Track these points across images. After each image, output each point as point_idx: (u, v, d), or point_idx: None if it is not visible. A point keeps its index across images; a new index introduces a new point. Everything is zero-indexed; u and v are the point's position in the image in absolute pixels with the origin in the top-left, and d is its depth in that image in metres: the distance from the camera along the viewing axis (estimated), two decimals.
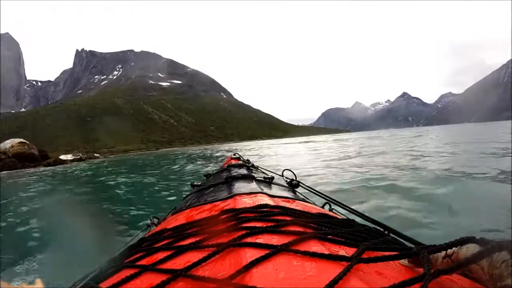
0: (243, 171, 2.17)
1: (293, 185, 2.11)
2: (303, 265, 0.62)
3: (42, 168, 35.54)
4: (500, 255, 0.49)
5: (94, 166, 33.09)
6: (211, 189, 1.83)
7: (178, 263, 0.75)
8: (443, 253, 0.60)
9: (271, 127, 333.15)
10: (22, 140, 43.11)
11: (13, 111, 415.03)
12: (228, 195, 1.41)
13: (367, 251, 0.67)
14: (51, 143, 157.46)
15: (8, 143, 41.93)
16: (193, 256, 0.75)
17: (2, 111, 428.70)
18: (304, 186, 2.28)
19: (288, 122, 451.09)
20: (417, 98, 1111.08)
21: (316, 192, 2.23)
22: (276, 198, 1.35)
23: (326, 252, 0.66)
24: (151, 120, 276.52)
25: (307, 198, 1.93)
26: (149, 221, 2.25)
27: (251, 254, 0.68)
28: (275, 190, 1.64)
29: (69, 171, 27.04)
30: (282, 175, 2.45)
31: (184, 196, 2.27)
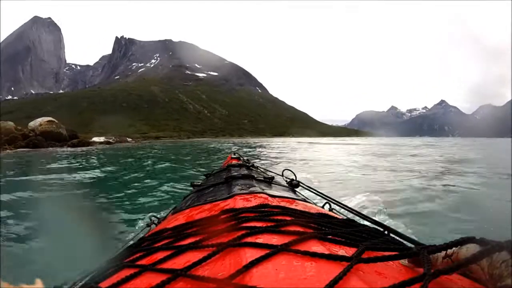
0: (243, 171, 2.14)
1: (293, 185, 2.11)
2: (303, 265, 0.62)
3: (64, 149, 35.06)
4: (500, 255, 0.49)
5: (119, 151, 32.91)
6: (211, 189, 1.82)
7: (178, 263, 0.75)
8: (443, 253, 0.60)
9: (304, 125, 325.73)
10: (50, 118, 42.29)
11: (51, 92, 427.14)
12: (228, 195, 1.40)
13: (367, 251, 0.67)
14: (87, 125, 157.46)
15: (38, 121, 41.05)
16: (193, 256, 0.74)
17: (41, 91, 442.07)
18: (304, 186, 2.28)
19: (322, 122, 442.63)
20: (455, 107, 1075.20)
21: (316, 192, 2.21)
22: (276, 198, 1.35)
23: (326, 252, 0.65)
24: (185, 110, 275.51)
25: (307, 198, 1.91)
26: (149, 221, 2.23)
27: (251, 254, 0.67)
28: (275, 190, 1.63)
29: (87, 153, 26.47)
30: (282, 175, 2.44)
31: (184, 196, 2.25)
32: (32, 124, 40.83)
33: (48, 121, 41.13)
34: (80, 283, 0.98)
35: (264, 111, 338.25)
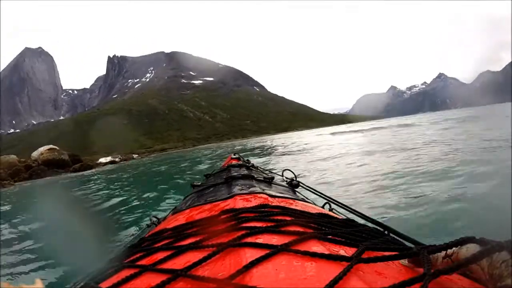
0: (243, 171, 2.14)
1: (293, 185, 2.10)
2: (303, 265, 0.62)
3: (66, 175, 34.32)
4: (500, 255, 0.49)
5: (120, 169, 32.52)
6: (211, 189, 1.82)
7: (178, 263, 0.75)
8: (443, 253, 0.60)
9: (306, 118, 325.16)
10: (51, 146, 41.76)
11: (52, 120, 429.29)
12: (228, 195, 1.40)
13: (367, 251, 0.67)
14: (91, 147, 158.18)
15: (40, 150, 40.45)
16: (193, 256, 0.74)
17: (42, 121, 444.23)
18: (304, 186, 2.27)
19: (324, 112, 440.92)
20: (454, 79, 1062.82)
21: (316, 192, 2.21)
22: (276, 198, 1.35)
23: (326, 252, 0.65)
24: (186, 118, 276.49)
25: (307, 198, 1.92)
26: (149, 221, 2.24)
27: (251, 254, 0.68)
28: (275, 190, 1.63)
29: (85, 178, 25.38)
30: (282, 175, 2.44)
31: (184, 196, 2.27)
32: (35, 154, 40.21)
33: (49, 149, 40.47)
34: (80, 283, 0.98)
35: (265, 109, 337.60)
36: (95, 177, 24.32)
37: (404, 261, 0.68)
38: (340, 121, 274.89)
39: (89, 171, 36.24)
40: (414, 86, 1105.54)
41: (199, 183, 2.21)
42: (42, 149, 40.59)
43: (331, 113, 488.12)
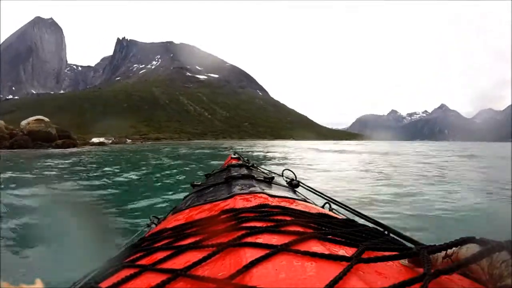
0: (243, 171, 2.15)
1: (293, 185, 2.11)
2: (303, 265, 0.62)
3: (46, 150, 32.41)
4: (500, 255, 0.49)
5: (105, 153, 31.22)
6: (211, 189, 1.82)
7: (178, 263, 0.75)
8: (443, 253, 0.60)
9: (304, 128, 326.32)
10: (39, 117, 39.46)
11: (52, 92, 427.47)
12: (228, 195, 1.40)
13: (367, 251, 0.67)
14: (87, 126, 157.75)
15: (29, 120, 38.68)
16: (193, 256, 0.74)
17: (42, 92, 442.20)
18: (304, 186, 2.28)
19: (322, 125, 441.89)
20: (455, 111, 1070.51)
21: (316, 192, 2.22)
22: (276, 198, 1.35)
23: (326, 252, 0.66)
24: (186, 112, 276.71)
25: (307, 198, 1.93)
26: (149, 221, 2.25)
27: (251, 254, 0.68)
28: (275, 190, 1.63)
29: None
30: (282, 175, 2.45)
31: (184, 196, 2.26)
32: (24, 123, 38.45)
33: (36, 119, 38.44)
34: (80, 283, 0.98)
35: (265, 113, 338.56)
36: (71, 157, 23.33)
37: (404, 261, 0.68)
38: (338, 137, 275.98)
39: (71, 149, 34.74)
40: (415, 113, 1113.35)
41: (199, 183, 2.22)
42: (31, 119, 38.76)
43: (330, 127, 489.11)
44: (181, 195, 6.24)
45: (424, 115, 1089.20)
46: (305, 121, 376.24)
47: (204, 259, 0.70)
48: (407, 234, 1.19)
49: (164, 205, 6.69)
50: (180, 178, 12.13)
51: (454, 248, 0.58)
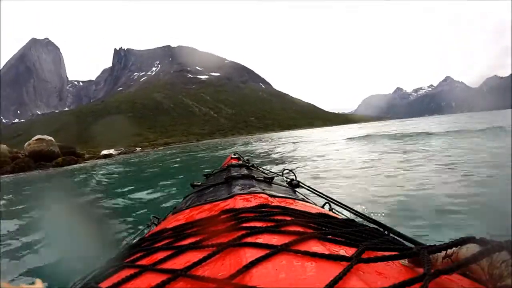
0: (243, 171, 2.14)
1: (293, 185, 2.11)
2: (303, 265, 0.62)
3: (41, 171, 29.43)
4: (500, 255, 0.49)
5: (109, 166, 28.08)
6: (211, 189, 1.82)
7: (178, 263, 0.75)
8: (443, 253, 0.60)
9: (311, 116, 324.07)
10: (40, 136, 36.70)
11: (57, 111, 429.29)
12: (228, 195, 1.40)
13: (367, 251, 0.67)
14: (93, 140, 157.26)
15: (30, 141, 36.13)
16: (193, 256, 0.74)
17: (46, 111, 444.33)
18: (304, 186, 2.28)
19: (329, 111, 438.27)
20: (461, 82, 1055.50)
21: (316, 192, 2.22)
22: (276, 198, 1.35)
23: (326, 252, 0.65)
24: (191, 113, 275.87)
25: (307, 198, 1.92)
26: (149, 221, 2.26)
27: (251, 254, 0.68)
28: (275, 190, 1.63)
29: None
30: (282, 175, 2.44)
31: (184, 196, 2.27)
32: (27, 145, 35.87)
33: (37, 139, 36.03)
34: (80, 283, 0.98)
35: (270, 106, 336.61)
36: (68, 176, 20.77)
37: (404, 261, 0.68)
38: (345, 121, 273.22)
39: (73, 166, 32.69)
40: (420, 89, 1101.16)
41: (199, 183, 2.22)
42: (32, 139, 36.10)
43: (336, 112, 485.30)
44: (180, 195, 6.09)
45: (430, 89, 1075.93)
46: (311, 109, 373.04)
47: (204, 259, 0.70)
48: (407, 234, 1.18)
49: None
50: None
51: (454, 248, 0.58)
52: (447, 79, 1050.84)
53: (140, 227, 3.31)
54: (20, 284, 0.50)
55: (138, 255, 0.88)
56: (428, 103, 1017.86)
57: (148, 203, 7.26)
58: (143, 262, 0.82)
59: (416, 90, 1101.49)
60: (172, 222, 1.31)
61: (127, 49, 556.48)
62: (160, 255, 0.81)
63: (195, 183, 2.20)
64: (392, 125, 49.31)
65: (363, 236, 0.81)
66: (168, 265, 0.75)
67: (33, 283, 0.59)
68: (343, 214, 1.71)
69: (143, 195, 8.32)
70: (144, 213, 5.96)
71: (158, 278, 0.65)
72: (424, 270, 0.52)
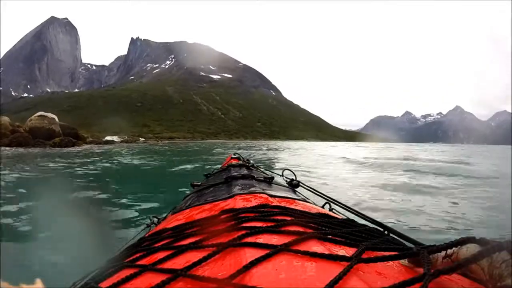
0: (243, 171, 2.16)
1: (293, 185, 2.12)
2: (303, 265, 0.62)
3: (38, 149, 28.71)
4: (500, 255, 0.49)
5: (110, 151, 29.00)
6: (211, 189, 1.82)
7: (178, 263, 0.75)
8: (443, 253, 0.60)
9: (317, 129, 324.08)
10: (42, 113, 36.78)
11: (67, 91, 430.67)
12: (228, 195, 1.40)
13: (367, 251, 0.67)
14: (100, 124, 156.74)
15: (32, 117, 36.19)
16: (193, 256, 0.74)
17: (56, 90, 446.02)
18: (304, 186, 2.29)
19: (335, 126, 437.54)
20: (470, 114, 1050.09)
21: (316, 192, 2.23)
22: (276, 198, 1.35)
23: (326, 252, 0.66)
24: (199, 111, 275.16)
25: (307, 198, 1.91)
26: (149, 221, 2.26)
27: (251, 254, 0.67)
28: (275, 190, 1.63)
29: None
30: (282, 175, 2.46)
31: (184, 196, 2.28)
32: (29, 120, 36.13)
33: (39, 116, 35.82)
34: (80, 283, 0.98)
35: (278, 114, 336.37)
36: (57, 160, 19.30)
37: (404, 261, 0.67)
38: (351, 138, 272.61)
39: (69, 149, 30.89)
40: (429, 115, 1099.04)
41: (199, 183, 2.22)
42: (34, 115, 36.29)
43: (343, 128, 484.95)
44: (180, 195, 5.68)
45: (439, 117, 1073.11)
46: (318, 121, 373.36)
47: (204, 259, 0.70)
48: (407, 234, 1.18)
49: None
50: None
51: (454, 248, 0.58)
52: (457, 108, 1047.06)
53: (140, 227, 3.26)
54: (20, 284, 0.50)
55: (138, 255, 0.88)
56: (436, 130, 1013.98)
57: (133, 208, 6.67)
58: (143, 262, 0.82)
59: (424, 116, 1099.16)
60: (172, 222, 1.31)
61: (144, 39, 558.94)
62: (160, 255, 0.81)
63: (195, 183, 2.21)
64: (407, 151, 45.19)
65: (363, 236, 0.81)
66: (168, 265, 0.75)
67: (33, 283, 0.58)
68: (343, 214, 1.68)
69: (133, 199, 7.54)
70: (146, 212, 5.63)
71: (158, 278, 0.65)
72: (424, 270, 0.52)
